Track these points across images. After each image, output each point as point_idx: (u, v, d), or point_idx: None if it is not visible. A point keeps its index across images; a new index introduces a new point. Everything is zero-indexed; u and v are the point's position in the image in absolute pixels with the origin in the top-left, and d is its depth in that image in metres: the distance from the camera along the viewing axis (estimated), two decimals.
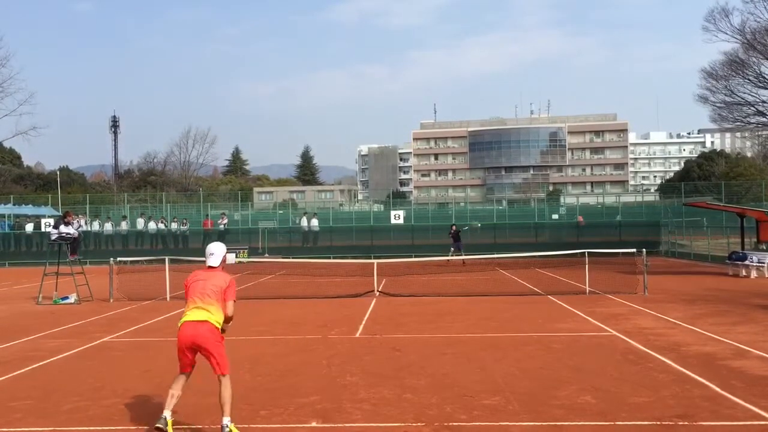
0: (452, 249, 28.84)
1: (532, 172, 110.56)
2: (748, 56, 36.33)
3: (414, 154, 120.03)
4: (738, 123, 40.48)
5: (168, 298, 16.96)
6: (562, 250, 24.23)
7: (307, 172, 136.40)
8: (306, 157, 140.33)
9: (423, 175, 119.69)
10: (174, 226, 36.39)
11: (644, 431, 6.11)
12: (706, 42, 38.33)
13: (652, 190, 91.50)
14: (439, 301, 15.92)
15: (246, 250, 33.27)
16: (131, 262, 22.86)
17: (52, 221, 23.41)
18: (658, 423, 6.23)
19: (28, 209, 44.22)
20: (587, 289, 16.80)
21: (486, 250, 30.87)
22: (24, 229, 36.52)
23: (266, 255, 32.62)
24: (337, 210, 57.06)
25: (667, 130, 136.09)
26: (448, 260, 26.86)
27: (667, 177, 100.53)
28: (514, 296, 16.73)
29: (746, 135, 67.89)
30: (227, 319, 6.18)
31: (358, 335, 11.46)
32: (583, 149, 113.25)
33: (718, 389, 7.38)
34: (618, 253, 21.58)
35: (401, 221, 36.80)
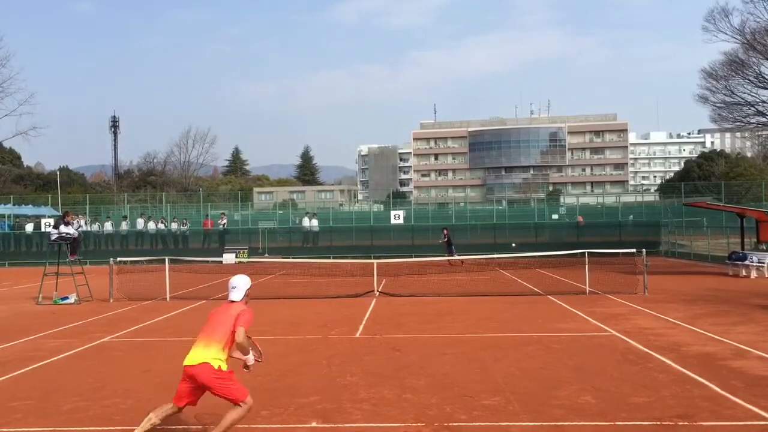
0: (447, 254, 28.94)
1: (532, 172, 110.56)
2: (748, 56, 36.29)
3: (414, 154, 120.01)
4: (738, 123, 40.42)
5: (168, 298, 16.96)
6: (562, 250, 24.23)
7: (307, 172, 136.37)
8: (306, 157, 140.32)
9: (423, 175, 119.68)
10: (174, 226, 36.38)
11: (644, 431, 6.11)
12: (706, 42, 38.28)
13: (652, 190, 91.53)
14: (439, 301, 15.91)
15: (246, 250, 33.31)
16: (131, 262, 22.86)
17: (52, 221, 23.42)
18: (658, 423, 6.23)
19: (28, 209, 44.24)
20: (587, 289, 16.80)
21: (486, 250, 30.87)
22: (24, 229, 36.52)
23: (266, 255, 32.62)
24: (337, 210, 57.04)
25: (667, 130, 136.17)
26: (449, 261, 26.82)
27: (667, 177, 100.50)
28: (514, 296, 16.73)
29: (746, 135, 67.85)
30: (240, 347, 5.82)
31: (358, 335, 11.46)
32: (583, 149, 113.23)
33: (718, 389, 7.38)
34: (618, 253, 21.59)
35: (401, 221, 36.79)
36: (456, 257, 26.66)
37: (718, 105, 38.46)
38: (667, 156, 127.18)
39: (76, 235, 18.40)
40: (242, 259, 29.32)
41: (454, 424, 6.34)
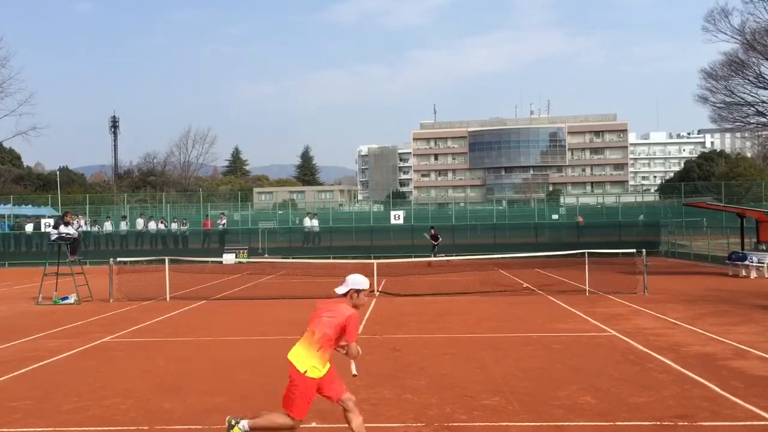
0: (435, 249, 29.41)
1: (532, 172, 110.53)
2: (747, 56, 36.36)
3: (414, 155, 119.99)
4: (738, 123, 40.49)
5: (168, 299, 16.96)
6: (562, 250, 24.21)
7: (307, 173, 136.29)
8: (306, 158, 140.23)
9: (423, 176, 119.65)
10: (174, 226, 36.40)
11: (644, 431, 6.11)
12: (706, 42, 38.45)
13: (652, 191, 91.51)
14: (439, 301, 15.91)
15: (246, 251, 33.33)
16: (131, 262, 22.87)
17: (51, 221, 23.41)
18: (658, 423, 6.23)
19: (28, 209, 44.25)
20: (587, 289, 16.80)
21: (486, 250, 30.87)
22: (24, 229, 36.52)
23: (266, 255, 32.63)
24: (337, 210, 57.04)
25: (667, 130, 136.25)
26: (429, 263, 26.91)
27: (667, 177, 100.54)
28: (514, 296, 16.73)
29: (746, 135, 67.95)
30: (352, 357, 5.60)
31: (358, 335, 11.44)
32: (583, 149, 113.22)
33: (718, 389, 7.38)
34: (618, 253, 21.60)
35: (401, 221, 36.80)
36: (434, 258, 26.80)
37: (718, 105, 38.54)
38: (667, 156, 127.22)
39: (75, 235, 18.41)
40: (242, 260, 29.33)
41: (454, 424, 6.34)
